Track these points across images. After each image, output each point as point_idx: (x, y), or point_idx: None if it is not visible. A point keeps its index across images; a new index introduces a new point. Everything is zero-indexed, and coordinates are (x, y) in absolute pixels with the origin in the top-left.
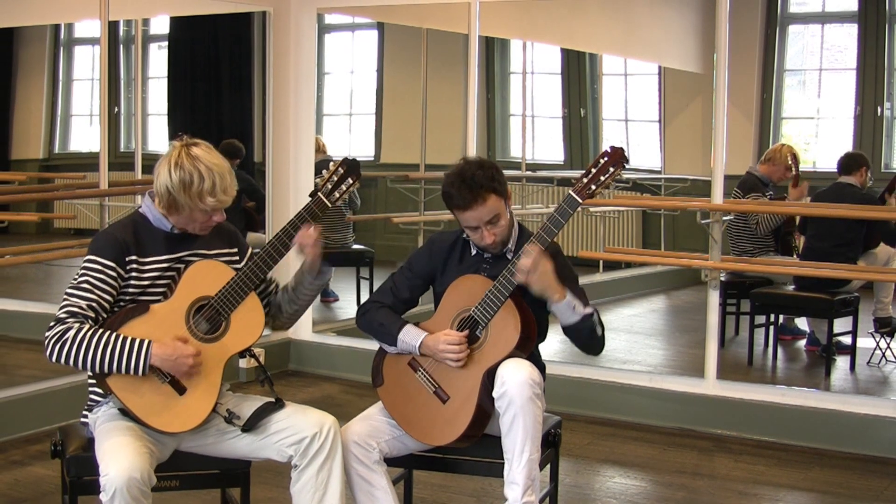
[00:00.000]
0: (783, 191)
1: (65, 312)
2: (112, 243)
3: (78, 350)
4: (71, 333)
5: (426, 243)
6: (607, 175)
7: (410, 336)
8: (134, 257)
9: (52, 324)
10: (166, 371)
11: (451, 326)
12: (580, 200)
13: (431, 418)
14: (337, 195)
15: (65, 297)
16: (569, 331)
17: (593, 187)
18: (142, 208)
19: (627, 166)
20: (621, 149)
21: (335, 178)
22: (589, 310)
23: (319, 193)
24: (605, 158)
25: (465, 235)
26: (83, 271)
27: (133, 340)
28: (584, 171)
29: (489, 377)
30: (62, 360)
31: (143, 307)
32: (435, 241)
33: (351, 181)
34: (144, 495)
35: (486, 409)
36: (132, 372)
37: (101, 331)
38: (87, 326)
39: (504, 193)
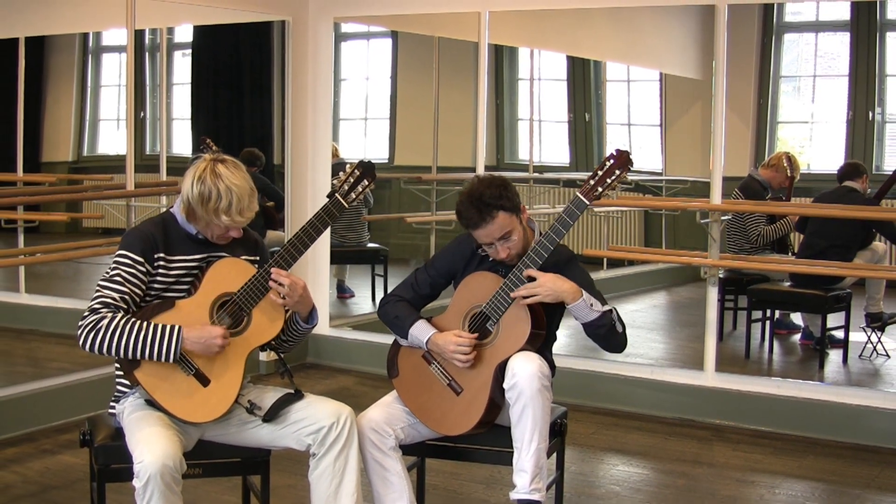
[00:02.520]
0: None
1: (98, 303)
2: (141, 239)
3: (111, 338)
4: (104, 322)
5: (452, 243)
6: (613, 178)
7: (420, 331)
8: (162, 254)
9: (85, 314)
10: (198, 353)
11: (463, 323)
12: (587, 202)
13: (446, 409)
14: (353, 196)
15: (97, 289)
16: (588, 328)
17: (600, 189)
18: (173, 208)
19: (630, 167)
20: (627, 152)
21: (352, 180)
22: (607, 307)
23: (337, 194)
24: (612, 161)
25: (479, 251)
26: (115, 265)
27: (164, 327)
28: (590, 174)
29: (500, 370)
30: (95, 348)
31: (169, 303)
32: (460, 242)
33: (366, 182)
34: (176, 482)
35: (497, 402)
36: (164, 358)
37: (132, 319)
38: (119, 315)
39: (514, 209)
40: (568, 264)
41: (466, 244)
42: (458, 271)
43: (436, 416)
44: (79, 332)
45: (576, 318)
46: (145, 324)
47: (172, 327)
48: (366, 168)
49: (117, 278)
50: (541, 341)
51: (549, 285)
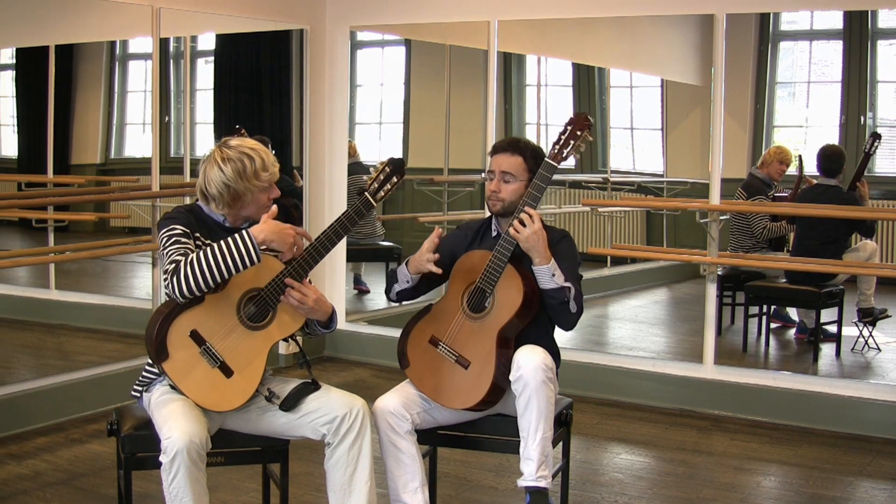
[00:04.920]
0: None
1: (176, 256)
2: (181, 216)
3: (194, 270)
4: (182, 263)
5: (455, 229)
6: (576, 139)
7: (401, 267)
8: (198, 234)
9: (164, 274)
10: (275, 243)
11: (462, 301)
12: (556, 164)
13: (457, 385)
14: (382, 193)
15: (166, 254)
16: (545, 295)
17: (565, 151)
18: (198, 202)
19: (633, 170)
20: (584, 114)
21: (381, 178)
22: (567, 283)
23: (366, 193)
24: (571, 125)
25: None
26: (168, 236)
27: (233, 237)
28: (555, 140)
29: (502, 338)
30: (184, 288)
31: (199, 297)
32: (462, 226)
33: (395, 179)
34: (201, 459)
35: (503, 371)
36: (248, 261)
37: (202, 249)
38: (192, 254)
39: (532, 171)
40: (561, 241)
41: (467, 227)
42: (461, 250)
43: (449, 393)
44: (165, 284)
45: (537, 281)
46: (214, 245)
47: (240, 233)
48: (395, 165)
49: (179, 241)
50: (535, 307)
51: (535, 234)
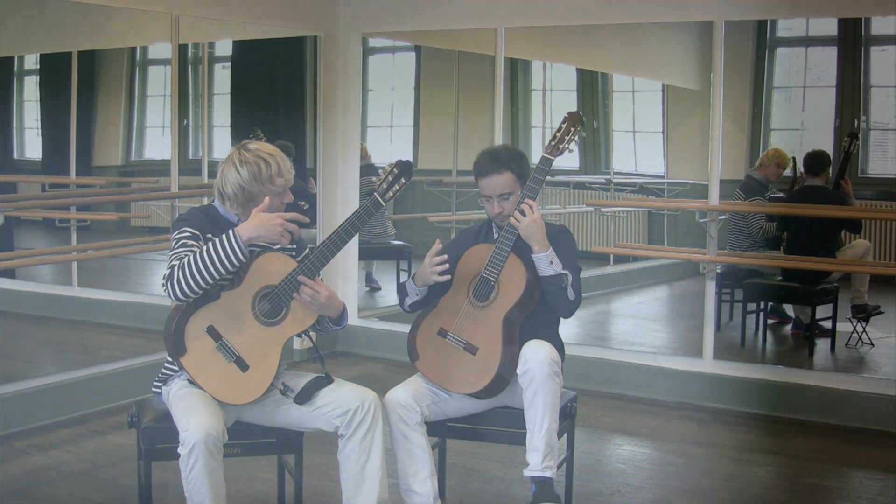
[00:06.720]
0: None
1: (175, 261)
2: (194, 218)
3: (185, 274)
4: (175, 267)
5: (459, 233)
6: (570, 135)
7: (409, 280)
8: (209, 235)
9: (163, 279)
10: (263, 238)
11: (467, 293)
12: (552, 158)
13: (467, 370)
14: (391, 194)
15: (169, 258)
16: (543, 281)
17: (560, 146)
18: (214, 202)
19: (635, 171)
20: (576, 112)
21: (390, 179)
22: (565, 271)
23: (375, 194)
24: (566, 123)
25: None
26: (177, 239)
27: (220, 238)
28: (550, 137)
29: (507, 322)
30: (177, 291)
31: (215, 294)
32: (464, 230)
33: (403, 180)
34: (218, 450)
35: (508, 364)
36: (235, 259)
37: (193, 252)
38: (185, 258)
39: (521, 177)
40: (560, 235)
41: (469, 231)
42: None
43: (460, 379)
44: (164, 290)
45: (536, 268)
46: (203, 247)
47: (226, 233)
48: (403, 167)
49: (185, 245)
50: (537, 296)
51: (532, 227)
